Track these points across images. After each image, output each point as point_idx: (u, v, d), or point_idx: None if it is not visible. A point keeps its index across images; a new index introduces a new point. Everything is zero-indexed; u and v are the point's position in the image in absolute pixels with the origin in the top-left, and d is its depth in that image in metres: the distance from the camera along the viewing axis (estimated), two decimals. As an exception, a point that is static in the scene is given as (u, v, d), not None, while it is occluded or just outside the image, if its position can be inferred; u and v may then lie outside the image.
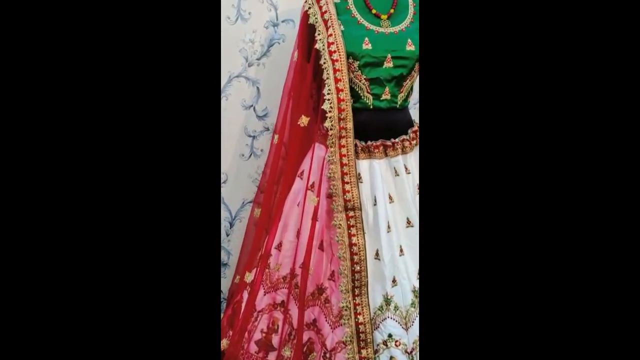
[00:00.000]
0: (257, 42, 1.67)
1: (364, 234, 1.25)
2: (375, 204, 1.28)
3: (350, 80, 1.27)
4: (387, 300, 1.25)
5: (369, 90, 1.29)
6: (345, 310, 1.22)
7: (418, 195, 1.32)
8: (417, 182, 1.34)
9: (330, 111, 1.25)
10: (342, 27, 1.28)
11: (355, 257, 1.23)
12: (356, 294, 1.23)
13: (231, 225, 1.80)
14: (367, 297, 1.23)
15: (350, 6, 1.33)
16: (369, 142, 1.30)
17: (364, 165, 1.30)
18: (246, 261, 1.43)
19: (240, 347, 1.33)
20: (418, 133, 1.37)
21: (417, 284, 1.28)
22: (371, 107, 1.30)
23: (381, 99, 1.31)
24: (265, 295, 1.35)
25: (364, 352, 1.20)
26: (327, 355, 1.23)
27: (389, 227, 1.28)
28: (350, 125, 1.26)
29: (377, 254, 1.27)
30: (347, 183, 1.25)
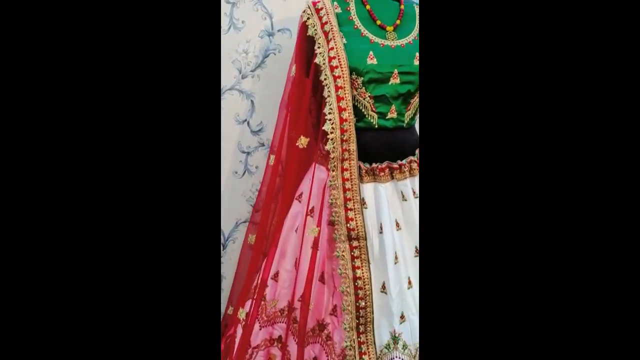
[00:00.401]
0: (251, 53, 1.56)
1: (369, 265, 1.14)
2: (381, 232, 1.17)
3: (353, 98, 1.16)
4: (395, 338, 1.14)
5: (373, 109, 1.18)
6: (349, 349, 1.11)
7: None
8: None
9: (332, 132, 1.14)
10: (344, 39, 1.17)
11: (360, 292, 1.12)
12: (361, 331, 1.12)
13: (224, 246, 1.68)
14: (373, 334, 1.12)
15: (353, 17, 1.22)
16: (374, 165, 1.19)
17: (368, 189, 1.19)
18: (240, 291, 1.31)
19: None
20: None
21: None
22: (376, 126, 1.19)
23: (387, 117, 1.19)
24: (261, 329, 1.24)
25: None
26: None
27: (396, 257, 1.17)
28: (353, 146, 1.15)
29: (383, 286, 1.15)
30: (351, 210, 1.14)
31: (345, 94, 1.14)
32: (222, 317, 1.49)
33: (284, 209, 1.26)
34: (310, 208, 1.21)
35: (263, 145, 1.64)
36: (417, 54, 1.19)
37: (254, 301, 1.23)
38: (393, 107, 1.19)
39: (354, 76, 1.16)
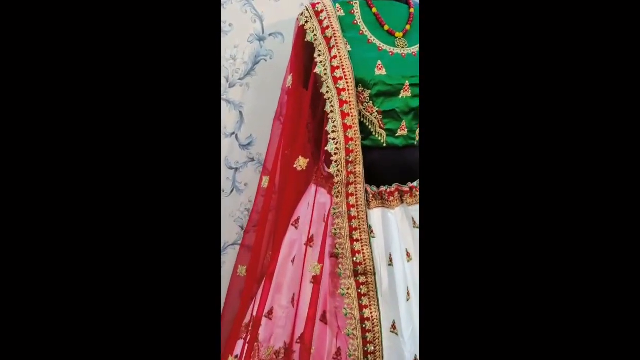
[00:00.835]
0: (239, 59, 1.41)
1: (378, 303, 1.00)
2: (390, 264, 1.03)
3: (359, 113, 1.02)
4: (408, 386, 1.00)
5: (382, 125, 1.04)
6: (356, 400, 0.97)
7: None
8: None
9: (336, 153, 0.99)
10: (348, 46, 1.03)
11: (368, 335, 0.98)
12: (369, 379, 0.98)
13: (210, 271, 1.52)
14: (383, 383, 0.99)
15: (358, 21, 1.07)
16: (382, 188, 1.05)
17: (376, 215, 1.04)
18: (230, 331, 1.15)
19: None
20: None
21: None
22: (384, 145, 1.05)
23: (396, 135, 1.05)
24: (254, 376, 1.09)
25: None
26: None
27: (408, 293, 1.03)
28: (360, 168, 1.00)
29: (393, 326, 1.01)
30: (357, 241, 1.00)
31: (351, 109, 0.99)
32: None
33: (280, 239, 1.11)
34: (309, 237, 1.06)
35: (253, 160, 1.49)
36: (430, 64, 1.05)
37: (246, 344, 1.08)
38: (403, 123, 1.05)
39: (360, 89, 1.01)
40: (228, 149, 1.47)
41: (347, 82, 0.99)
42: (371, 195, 1.04)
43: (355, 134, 0.99)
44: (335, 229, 1.00)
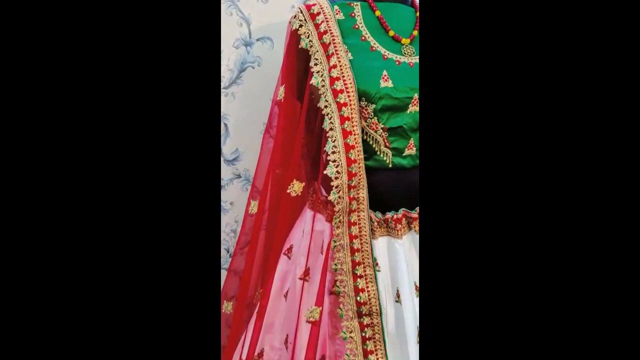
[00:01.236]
0: (224, 66, 1.27)
1: (385, 348, 0.86)
2: (397, 300, 0.90)
3: (362, 130, 0.90)
4: None
5: (387, 144, 0.91)
6: None
7: None
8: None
9: (337, 177, 0.86)
10: (349, 54, 0.90)
11: (375, 386, 0.85)
12: None
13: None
14: None
15: (360, 25, 0.94)
16: (388, 215, 0.92)
17: (381, 245, 0.92)
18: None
19: None
20: None
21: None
22: (390, 165, 0.92)
23: (404, 154, 0.92)
24: None
25: None
26: None
27: (418, 333, 0.91)
28: (363, 193, 0.87)
29: (402, 372, 0.89)
30: (361, 277, 0.87)
31: (353, 127, 0.86)
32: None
33: (271, 271, 0.97)
34: (305, 269, 0.93)
35: (239, 177, 1.36)
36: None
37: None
38: (411, 141, 0.92)
39: (363, 103, 0.88)
40: (212, 164, 1.34)
41: (348, 96, 0.86)
42: (376, 223, 0.91)
43: (358, 155, 0.86)
44: (335, 264, 0.87)
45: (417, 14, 0.98)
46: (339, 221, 0.87)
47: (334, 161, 0.86)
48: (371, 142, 0.91)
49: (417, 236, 0.95)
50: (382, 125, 0.90)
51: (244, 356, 0.96)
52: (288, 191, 0.91)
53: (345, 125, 0.86)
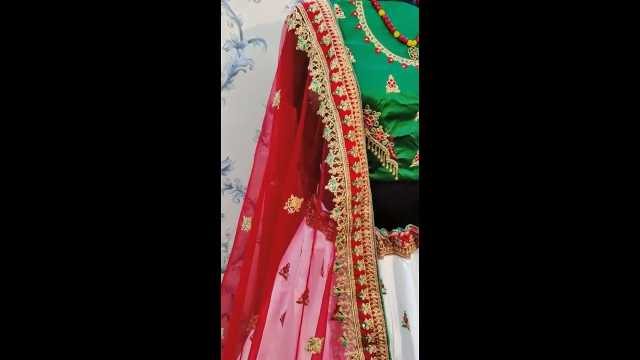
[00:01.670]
0: (213, 70, 1.19)
1: (393, 380, 0.79)
2: (405, 325, 0.83)
3: (366, 140, 0.82)
4: None
5: (393, 155, 0.83)
6: None
7: None
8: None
9: (340, 193, 0.78)
10: (352, 57, 0.82)
11: (383, 422, 0.77)
12: None
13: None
14: None
15: (362, 25, 0.86)
16: (394, 232, 0.85)
17: (387, 265, 0.83)
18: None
19: None
20: None
21: None
22: (396, 178, 0.84)
23: (411, 166, 0.84)
24: None
25: None
26: None
27: (427, 361, 0.83)
28: (368, 210, 0.79)
29: (410, 405, 0.81)
30: (366, 302, 0.78)
31: (357, 137, 0.78)
32: None
33: (267, 293, 0.89)
34: (305, 291, 0.85)
35: (230, 187, 1.27)
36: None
37: None
38: (419, 152, 0.85)
39: (367, 110, 0.80)
40: (201, 174, 1.25)
41: (352, 103, 0.78)
42: (381, 242, 0.83)
43: (363, 168, 0.78)
44: (338, 289, 0.79)
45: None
46: (342, 241, 0.79)
47: (336, 175, 0.78)
48: (376, 153, 0.82)
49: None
50: (388, 135, 0.82)
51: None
52: (285, 208, 0.83)
53: (349, 135, 0.78)
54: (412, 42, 0.85)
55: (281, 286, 0.90)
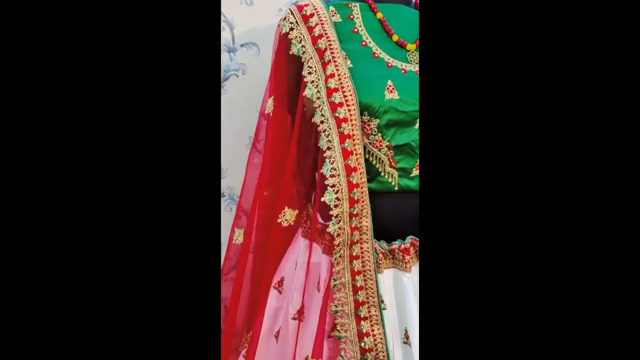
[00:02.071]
0: (205, 75, 1.15)
1: (394, 400, 0.75)
2: (406, 342, 0.78)
3: (364, 149, 0.78)
4: None
5: (393, 164, 0.79)
6: None
7: None
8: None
9: (337, 205, 0.73)
10: (348, 62, 0.78)
11: None
12: None
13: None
14: None
15: (359, 29, 0.82)
16: (394, 244, 0.80)
17: (387, 279, 0.79)
18: None
19: None
20: None
21: None
22: (396, 188, 0.80)
23: (411, 175, 0.80)
24: None
25: None
26: None
27: (430, 381, 0.79)
28: (367, 222, 0.75)
29: None
30: (365, 319, 0.74)
31: (355, 145, 0.74)
32: None
33: (261, 309, 0.84)
34: (300, 307, 0.80)
35: (223, 195, 1.23)
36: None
37: None
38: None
39: (365, 117, 0.76)
40: (192, 182, 1.20)
41: (349, 110, 0.74)
42: (381, 255, 0.79)
43: (361, 179, 0.74)
44: (336, 306, 0.74)
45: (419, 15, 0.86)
46: (340, 256, 0.74)
47: (333, 186, 0.73)
48: (374, 162, 0.78)
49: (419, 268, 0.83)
50: (387, 143, 0.78)
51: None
52: (279, 220, 0.78)
53: (346, 144, 0.73)
54: (411, 46, 0.81)
55: (276, 301, 0.86)
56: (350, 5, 0.83)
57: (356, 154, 0.74)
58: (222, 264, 1.04)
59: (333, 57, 0.76)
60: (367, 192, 0.75)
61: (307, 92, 0.77)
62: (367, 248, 0.75)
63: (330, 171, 0.73)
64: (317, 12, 0.79)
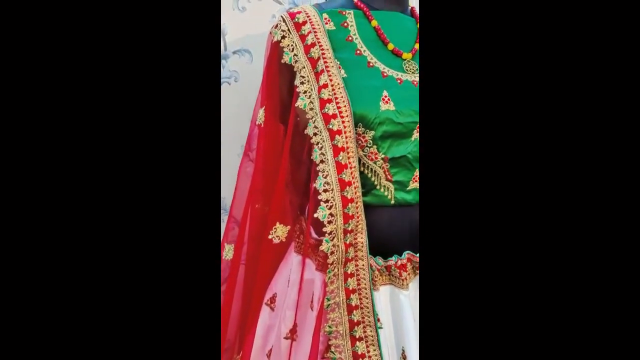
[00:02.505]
0: (196, 82, 1.11)
1: None
2: (403, 361, 0.76)
3: (359, 161, 0.75)
4: None
5: (389, 177, 0.76)
6: None
7: None
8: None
9: (330, 221, 0.70)
10: (342, 71, 0.75)
11: None
12: None
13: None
14: None
15: (354, 37, 0.78)
16: (390, 260, 0.77)
17: (383, 297, 0.76)
18: None
19: None
20: None
21: None
22: (392, 202, 0.77)
23: (408, 188, 0.77)
24: None
25: None
26: None
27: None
28: (362, 238, 0.72)
29: None
30: (360, 340, 0.71)
31: (349, 159, 0.71)
32: None
33: (252, 326, 0.81)
34: (293, 326, 0.77)
35: (215, 206, 1.19)
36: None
37: None
38: (417, 172, 0.77)
39: (360, 129, 0.73)
40: (183, 193, 1.17)
41: (343, 122, 0.70)
42: (376, 272, 0.75)
43: (355, 193, 0.71)
44: (330, 327, 0.71)
45: (419, 25, 0.83)
46: (334, 275, 0.71)
47: (327, 201, 0.70)
48: (370, 175, 0.75)
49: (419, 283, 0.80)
50: (383, 155, 0.75)
51: None
52: (270, 237, 0.75)
53: (340, 157, 0.70)
54: (408, 55, 0.78)
55: (268, 318, 0.83)
56: (344, 13, 0.80)
57: (350, 168, 0.70)
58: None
59: (326, 67, 0.73)
60: (362, 207, 0.72)
61: (299, 103, 0.73)
62: (363, 265, 0.72)
63: (324, 185, 0.70)
64: (309, 19, 0.76)
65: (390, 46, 0.78)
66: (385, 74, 0.76)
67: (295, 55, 0.75)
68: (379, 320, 0.74)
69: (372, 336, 0.72)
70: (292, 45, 0.76)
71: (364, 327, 0.72)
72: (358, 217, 0.71)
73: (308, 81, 0.73)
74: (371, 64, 0.76)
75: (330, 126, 0.70)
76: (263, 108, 0.80)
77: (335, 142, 0.70)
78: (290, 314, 0.77)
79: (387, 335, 0.76)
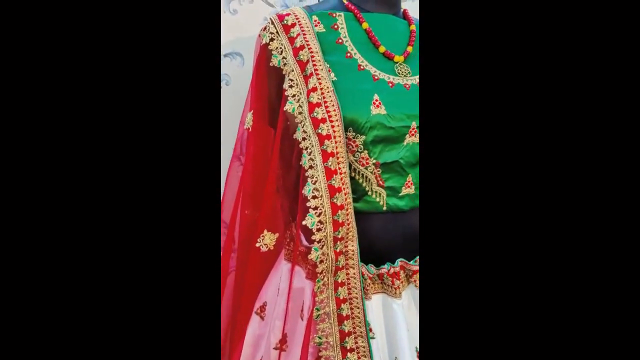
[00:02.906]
0: (186, 86, 1.09)
1: None
2: (395, 372, 0.73)
3: (349, 167, 0.73)
4: None
5: (380, 182, 0.74)
6: None
7: None
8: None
9: (319, 229, 0.68)
10: (332, 75, 0.73)
11: None
12: None
13: None
14: None
15: (344, 39, 0.76)
16: (382, 268, 0.75)
17: (375, 306, 0.73)
18: None
19: None
20: None
21: None
22: (384, 208, 0.74)
23: (400, 194, 0.75)
24: None
25: None
26: None
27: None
28: (353, 245, 0.70)
29: None
30: (352, 351, 0.68)
31: (339, 164, 0.69)
32: None
33: (241, 336, 0.78)
34: (282, 336, 0.75)
35: (206, 211, 1.17)
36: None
37: None
38: (409, 178, 0.75)
39: (350, 134, 0.71)
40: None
41: (332, 126, 0.68)
42: (368, 280, 0.73)
43: (346, 199, 0.68)
44: (320, 337, 0.69)
45: (412, 27, 0.81)
46: (323, 284, 0.69)
47: (315, 208, 0.68)
48: (361, 181, 0.73)
49: (417, 291, 0.77)
50: (374, 160, 0.72)
51: None
52: (257, 245, 0.73)
53: (329, 163, 0.68)
54: (399, 58, 0.76)
55: (258, 327, 0.80)
56: (334, 15, 0.78)
57: (340, 173, 0.68)
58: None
59: (315, 70, 0.71)
60: (352, 213, 0.69)
61: (288, 107, 0.71)
62: (354, 274, 0.70)
63: (312, 192, 0.67)
64: (299, 21, 0.74)
65: (382, 49, 0.76)
66: (376, 77, 0.74)
67: (284, 57, 0.73)
68: (371, 330, 0.72)
69: (363, 347, 0.69)
70: (280, 47, 0.74)
71: (355, 337, 0.69)
72: (348, 224, 0.69)
73: (297, 84, 0.71)
74: (362, 67, 0.74)
75: (319, 131, 0.68)
76: (251, 112, 0.78)
77: (325, 147, 0.68)
78: (279, 324, 0.74)
79: (380, 346, 0.73)
